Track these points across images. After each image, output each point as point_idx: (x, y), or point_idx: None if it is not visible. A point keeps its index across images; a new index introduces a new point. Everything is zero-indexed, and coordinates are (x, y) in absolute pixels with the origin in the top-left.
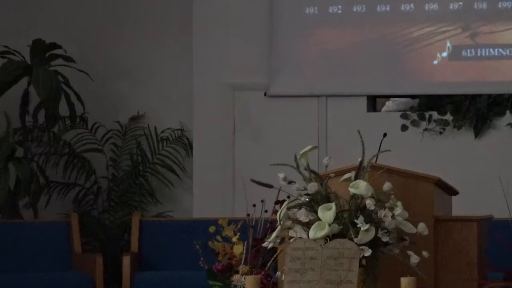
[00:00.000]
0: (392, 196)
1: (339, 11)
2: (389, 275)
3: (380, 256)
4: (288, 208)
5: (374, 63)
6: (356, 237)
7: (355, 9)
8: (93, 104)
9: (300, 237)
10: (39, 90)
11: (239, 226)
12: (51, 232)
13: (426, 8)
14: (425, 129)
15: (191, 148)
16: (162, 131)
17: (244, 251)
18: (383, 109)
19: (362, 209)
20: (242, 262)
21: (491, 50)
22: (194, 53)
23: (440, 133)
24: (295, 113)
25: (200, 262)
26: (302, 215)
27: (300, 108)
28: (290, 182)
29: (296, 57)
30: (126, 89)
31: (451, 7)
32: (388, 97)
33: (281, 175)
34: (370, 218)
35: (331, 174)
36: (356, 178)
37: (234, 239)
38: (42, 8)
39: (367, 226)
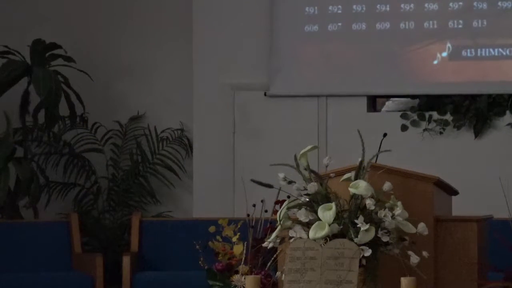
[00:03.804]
0: (392, 196)
1: (339, 11)
2: (389, 275)
3: (380, 256)
4: (288, 208)
5: (374, 63)
6: (356, 237)
7: (355, 9)
8: (93, 104)
9: (300, 237)
10: (39, 90)
11: (239, 226)
12: (51, 232)
13: (426, 8)
14: (425, 129)
15: (191, 148)
16: (162, 131)
17: (244, 251)
18: (383, 109)
19: (362, 209)
20: (242, 262)
21: (491, 50)
22: (194, 53)
23: (440, 133)
24: (295, 113)
25: (200, 262)
26: (302, 215)
27: (300, 108)
28: (290, 182)
29: (296, 57)
30: (126, 89)
31: (451, 7)
32: (388, 97)
33: (281, 175)
34: (370, 218)
35: (331, 174)
36: (356, 178)
37: (234, 239)
38: (42, 8)
39: (367, 226)
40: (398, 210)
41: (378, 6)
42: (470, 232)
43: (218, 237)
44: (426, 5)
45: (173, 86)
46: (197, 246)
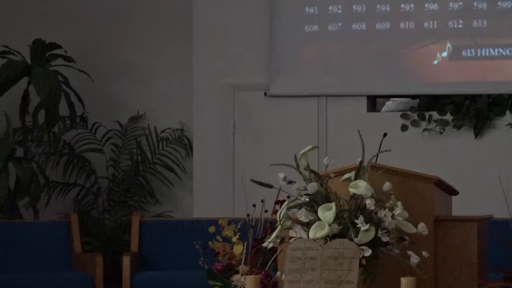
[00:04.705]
0: (392, 196)
1: (339, 11)
2: (389, 275)
3: (380, 256)
4: (288, 208)
5: (374, 63)
6: (356, 237)
7: (355, 9)
8: (93, 104)
9: (300, 237)
10: (39, 90)
11: (239, 226)
12: (51, 232)
13: (426, 8)
14: (425, 129)
15: (191, 148)
16: (162, 131)
17: (244, 251)
18: (383, 109)
19: (362, 209)
20: (242, 262)
21: (491, 50)
22: (194, 53)
23: (440, 133)
24: (295, 113)
25: (200, 262)
26: (302, 215)
27: (300, 108)
28: (290, 182)
29: (296, 57)
30: (126, 89)
31: (451, 7)
32: (388, 97)
33: (281, 175)
34: (370, 218)
35: (331, 174)
36: (356, 178)
37: (234, 239)
38: (42, 8)
39: (367, 226)
40: (398, 210)
41: (378, 6)
42: (470, 232)
43: (218, 237)
44: (426, 5)
45: (173, 86)
46: (197, 246)
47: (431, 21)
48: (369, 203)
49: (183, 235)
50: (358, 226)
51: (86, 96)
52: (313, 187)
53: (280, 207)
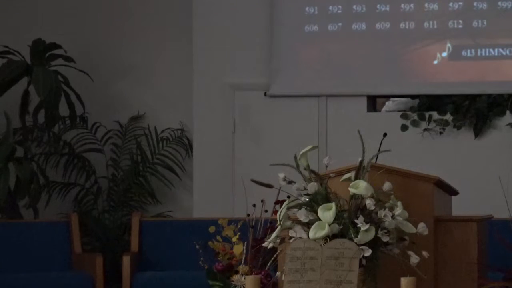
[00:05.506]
0: (392, 196)
1: (339, 11)
2: (389, 275)
3: (380, 256)
4: (288, 208)
5: (374, 63)
6: (356, 237)
7: (355, 9)
8: (93, 104)
9: (300, 237)
10: (39, 90)
11: (239, 226)
12: (51, 232)
13: (426, 8)
14: (425, 129)
15: (191, 148)
16: (162, 131)
17: (244, 251)
18: (383, 109)
19: (362, 209)
20: (242, 262)
21: (491, 50)
22: (194, 53)
23: (440, 133)
24: (295, 113)
25: (200, 262)
26: (302, 215)
27: (300, 108)
28: (290, 182)
29: (296, 57)
30: (126, 89)
31: (451, 7)
32: (388, 97)
33: (281, 175)
34: (370, 218)
35: (331, 174)
36: (356, 178)
37: (234, 239)
38: (42, 8)
39: (367, 226)
40: (398, 210)
41: (378, 6)
42: (470, 232)
43: (218, 237)
44: (426, 5)
45: (173, 86)
46: (197, 246)
47: (431, 21)
48: (369, 203)
49: (183, 235)
50: (358, 226)
51: (86, 96)
52: (313, 187)
53: (280, 207)
